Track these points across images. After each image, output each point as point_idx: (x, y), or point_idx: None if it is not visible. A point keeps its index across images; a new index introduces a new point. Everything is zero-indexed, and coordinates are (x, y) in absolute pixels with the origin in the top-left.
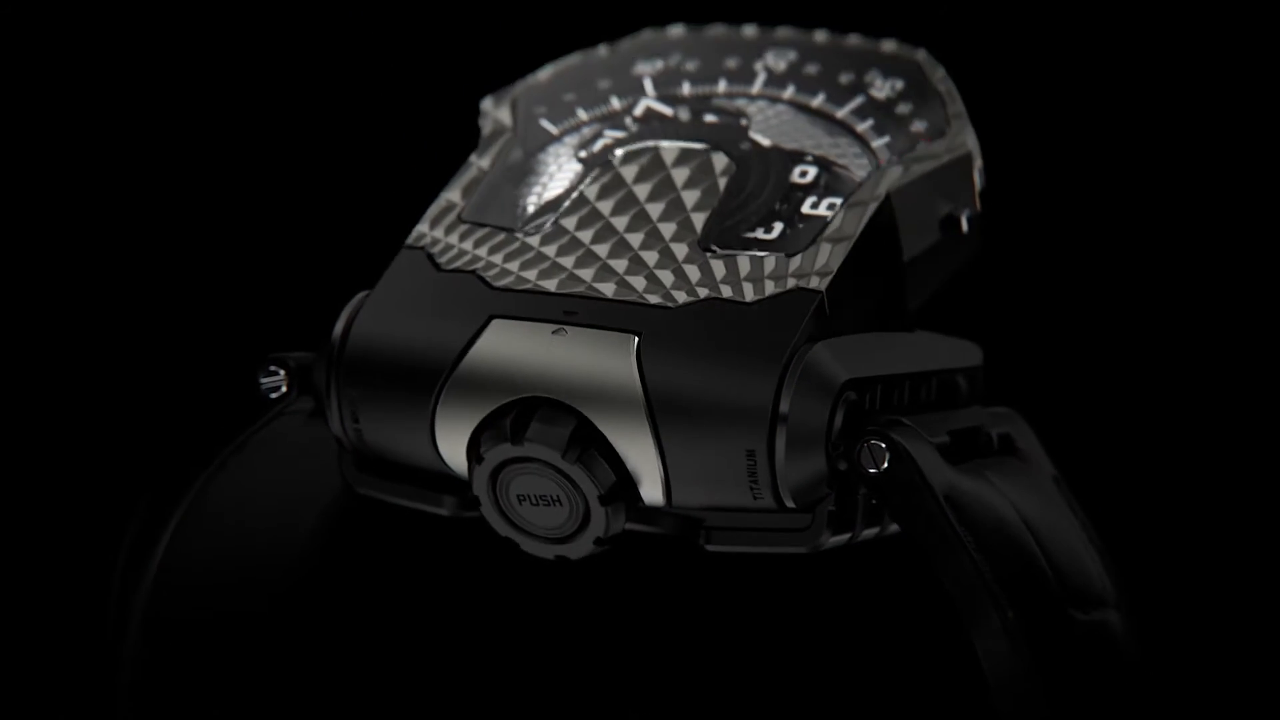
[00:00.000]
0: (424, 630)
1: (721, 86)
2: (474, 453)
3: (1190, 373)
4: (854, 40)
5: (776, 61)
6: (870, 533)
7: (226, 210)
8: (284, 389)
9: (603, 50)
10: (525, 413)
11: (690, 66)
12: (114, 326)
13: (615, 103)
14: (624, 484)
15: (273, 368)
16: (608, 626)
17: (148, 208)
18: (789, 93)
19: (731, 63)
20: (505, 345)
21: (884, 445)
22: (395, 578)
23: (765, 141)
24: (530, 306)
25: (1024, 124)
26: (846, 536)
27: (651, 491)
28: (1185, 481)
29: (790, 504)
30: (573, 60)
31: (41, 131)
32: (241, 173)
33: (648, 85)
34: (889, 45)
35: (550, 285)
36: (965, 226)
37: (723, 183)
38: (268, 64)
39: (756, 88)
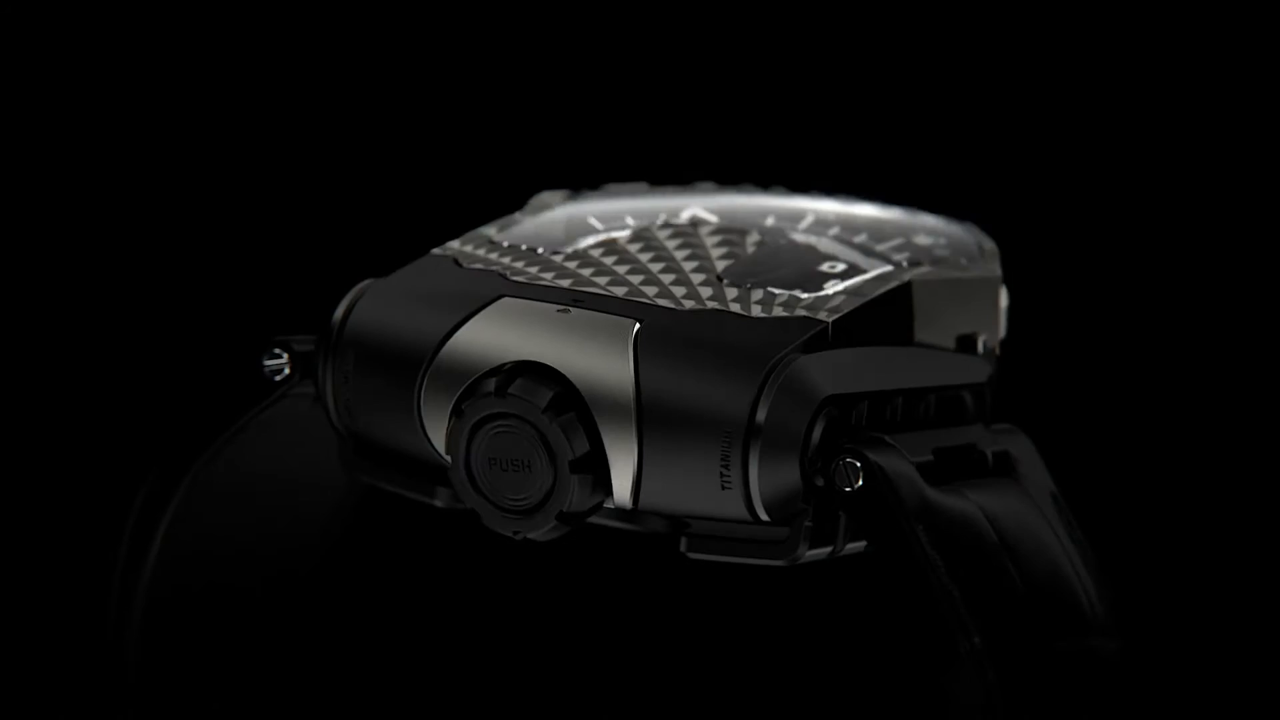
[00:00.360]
0: (418, 620)
1: (770, 221)
2: (455, 410)
3: (1200, 388)
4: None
5: (827, 212)
6: (855, 547)
7: (238, 194)
8: (287, 372)
9: (662, 188)
10: (513, 373)
11: (743, 203)
12: (119, 308)
13: (662, 216)
14: (597, 458)
15: (276, 350)
16: (593, 627)
17: (157, 192)
18: (833, 231)
19: (784, 207)
20: (508, 318)
21: (859, 464)
22: (393, 565)
23: (801, 242)
24: (541, 294)
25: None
26: (827, 551)
27: (622, 481)
28: (1194, 499)
29: (764, 515)
30: (630, 184)
31: (47, 116)
32: (257, 156)
33: (698, 206)
34: (940, 219)
35: (565, 284)
36: (980, 349)
37: (751, 251)
38: (291, 62)
39: (803, 225)
